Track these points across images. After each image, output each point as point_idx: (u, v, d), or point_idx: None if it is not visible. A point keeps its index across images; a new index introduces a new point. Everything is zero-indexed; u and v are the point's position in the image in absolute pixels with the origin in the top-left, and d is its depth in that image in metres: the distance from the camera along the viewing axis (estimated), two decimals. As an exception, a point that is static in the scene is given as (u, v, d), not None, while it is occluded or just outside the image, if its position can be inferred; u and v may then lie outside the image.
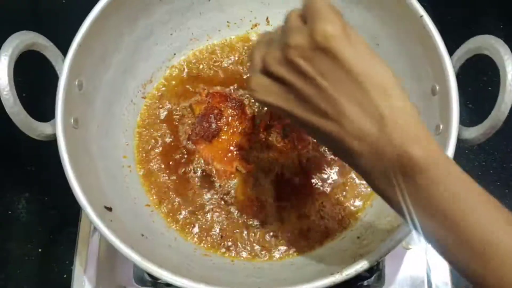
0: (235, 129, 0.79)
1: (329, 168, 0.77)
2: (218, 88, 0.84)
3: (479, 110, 0.90)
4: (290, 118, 0.52)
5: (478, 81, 0.94)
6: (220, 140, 0.78)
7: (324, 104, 0.48)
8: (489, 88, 0.93)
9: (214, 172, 0.77)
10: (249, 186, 0.77)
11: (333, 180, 0.77)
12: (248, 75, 0.80)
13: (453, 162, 0.48)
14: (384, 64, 0.48)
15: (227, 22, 0.87)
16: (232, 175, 0.77)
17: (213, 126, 0.78)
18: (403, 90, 0.48)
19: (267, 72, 0.51)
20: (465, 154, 0.90)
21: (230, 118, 0.79)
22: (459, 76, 0.67)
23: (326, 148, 0.78)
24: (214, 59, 0.87)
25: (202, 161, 0.78)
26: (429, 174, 0.45)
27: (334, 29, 0.46)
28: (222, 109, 0.79)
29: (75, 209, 0.81)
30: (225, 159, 0.77)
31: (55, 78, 0.69)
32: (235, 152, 0.78)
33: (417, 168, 0.45)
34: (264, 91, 0.52)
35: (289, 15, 0.51)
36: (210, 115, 0.78)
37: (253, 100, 0.81)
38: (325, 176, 0.77)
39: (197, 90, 0.83)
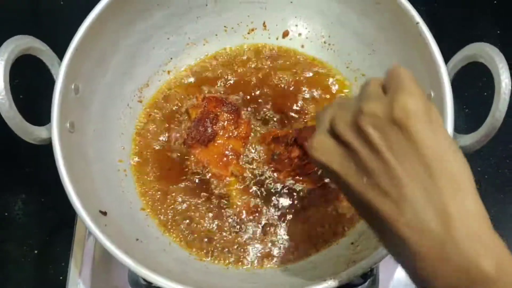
0: (230, 134, 0.79)
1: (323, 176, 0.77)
2: (215, 92, 0.84)
3: (476, 115, 0.90)
4: (342, 187, 0.49)
5: (474, 86, 0.94)
6: (215, 144, 0.78)
7: (386, 182, 0.44)
8: (485, 94, 0.93)
9: (209, 176, 0.77)
10: (244, 191, 0.77)
11: (328, 186, 0.77)
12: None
13: None
14: (462, 156, 0.44)
15: (224, 26, 0.88)
16: (228, 180, 0.78)
17: (209, 130, 0.78)
18: (476, 189, 0.43)
19: (333, 133, 0.48)
20: (461, 159, 0.90)
21: (226, 122, 0.79)
22: (456, 81, 0.67)
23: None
24: (212, 63, 0.88)
25: (198, 166, 0.78)
26: (500, 285, 0.41)
27: (416, 105, 0.43)
28: (218, 113, 0.79)
29: (72, 211, 0.80)
30: (221, 163, 0.78)
31: (51, 81, 0.69)
32: (230, 157, 0.78)
33: (488, 281, 0.41)
34: (325, 152, 0.49)
35: (369, 82, 0.49)
36: (206, 119, 0.78)
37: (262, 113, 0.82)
38: (320, 182, 0.77)
39: (194, 95, 0.83)
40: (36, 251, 0.85)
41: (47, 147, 0.67)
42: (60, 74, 0.68)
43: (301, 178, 0.77)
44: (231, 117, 0.79)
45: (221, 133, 0.78)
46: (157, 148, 0.81)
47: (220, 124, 0.79)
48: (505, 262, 0.42)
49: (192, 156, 0.78)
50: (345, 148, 0.47)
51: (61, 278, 0.82)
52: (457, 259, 0.41)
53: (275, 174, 0.77)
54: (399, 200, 0.43)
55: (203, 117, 0.79)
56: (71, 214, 0.82)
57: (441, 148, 0.43)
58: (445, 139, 0.44)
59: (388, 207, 0.44)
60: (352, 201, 0.49)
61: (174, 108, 0.84)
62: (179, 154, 0.80)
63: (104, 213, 0.68)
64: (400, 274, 0.78)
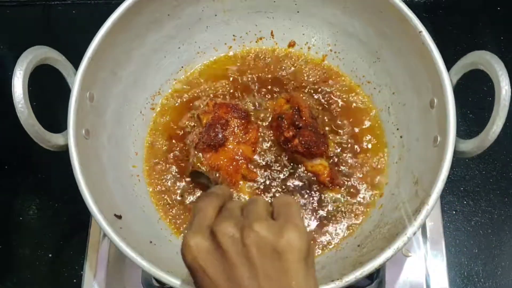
0: (241, 139, 0.80)
1: (329, 179, 0.79)
2: (224, 99, 0.86)
3: (480, 120, 0.91)
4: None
5: (478, 91, 0.96)
6: (226, 149, 0.79)
7: None
8: (489, 98, 0.94)
9: (220, 180, 0.78)
10: (254, 195, 0.79)
11: (334, 190, 0.79)
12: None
13: None
14: None
15: (233, 35, 0.89)
16: (238, 184, 0.79)
17: (220, 135, 0.79)
18: None
19: (214, 238, 0.49)
20: (465, 163, 0.91)
21: (236, 128, 0.80)
22: (459, 86, 0.69)
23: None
24: (221, 70, 0.89)
25: (209, 170, 0.79)
26: None
27: (301, 244, 0.47)
28: (228, 119, 0.80)
29: (85, 216, 0.84)
30: (231, 167, 0.78)
31: (64, 90, 0.71)
32: (240, 161, 0.79)
33: None
34: (201, 255, 0.48)
35: (257, 200, 0.52)
36: (217, 125, 0.79)
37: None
38: (326, 185, 0.79)
39: (205, 101, 0.85)
40: (50, 255, 0.87)
41: (58, 153, 0.69)
42: (76, 82, 0.70)
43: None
44: (241, 123, 0.80)
45: (231, 139, 0.79)
46: (168, 153, 0.83)
47: (230, 129, 0.79)
48: None
49: (202, 161, 0.79)
50: (221, 255, 0.48)
51: (74, 281, 0.84)
52: None
53: (283, 175, 0.80)
54: None
55: (214, 123, 0.79)
56: (83, 219, 0.85)
57: (304, 283, 0.47)
58: (313, 284, 0.48)
59: None
60: None
61: (185, 115, 0.85)
62: (189, 159, 0.80)
63: (119, 217, 0.69)
64: (406, 275, 0.79)
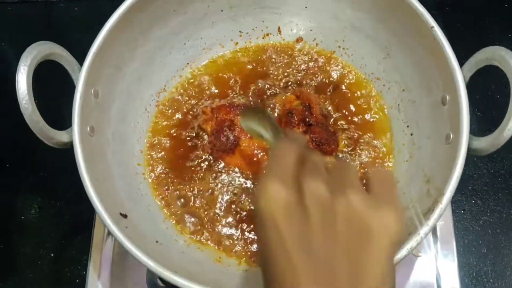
0: (251, 133, 0.79)
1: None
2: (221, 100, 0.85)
3: (488, 118, 0.91)
4: (270, 240, 0.43)
5: (486, 89, 0.95)
6: (242, 148, 0.78)
7: (324, 267, 0.41)
8: (497, 96, 0.94)
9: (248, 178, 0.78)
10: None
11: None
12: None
13: None
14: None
15: (240, 31, 0.89)
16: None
17: (231, 137, 0.78)
18: None
19: (298, 192, 0.44)
20: (473, 161, 0.90)
21: (242, 124, 0.79)
22: (468, 84, 0.68)
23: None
24: (227, 66, 0.88)
25: (234, 170, 0.79)
26: None
27: (396, 229, 0.43)
28: (232, 119, 0.79)
29: (87, 215, 0.83)
30: (256, 164, 0.78)
31: (71, 86, 0.70)
32: (260, 154, 0.79)
33: None
34: (280, 207, 0.43)
35: (352, 167, 0.48)
36: (224, 128, 0.79)
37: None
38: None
39: (202, 109, 0.83)
40: (52, 254, 0.86)
41: (61, 151, 0.68)
42: (81, 78, 0.69)
43: None
44: (245, 118, 0.79)
45: (242, 136, 0.78)
46: (173, 150, 0.82)
47: (238, 128, 0.79)
48: None
49: (223, 164, 0.79)
50: (301, 213, 0.43)
51: (77, 281, 0.83)
52: None
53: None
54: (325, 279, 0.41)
55: (220, 127, 0.79)
56: (86, 218, 0.84)
57: (388, 273, 0.42)
58: (392, 265, 0.43)
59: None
60: (270, 253, 0.44)
61: (191, 111, 0.84)
62: (196, 157, 0.80)
63: (125, 216, 0.68)
64: (416, 275, 0.78)
